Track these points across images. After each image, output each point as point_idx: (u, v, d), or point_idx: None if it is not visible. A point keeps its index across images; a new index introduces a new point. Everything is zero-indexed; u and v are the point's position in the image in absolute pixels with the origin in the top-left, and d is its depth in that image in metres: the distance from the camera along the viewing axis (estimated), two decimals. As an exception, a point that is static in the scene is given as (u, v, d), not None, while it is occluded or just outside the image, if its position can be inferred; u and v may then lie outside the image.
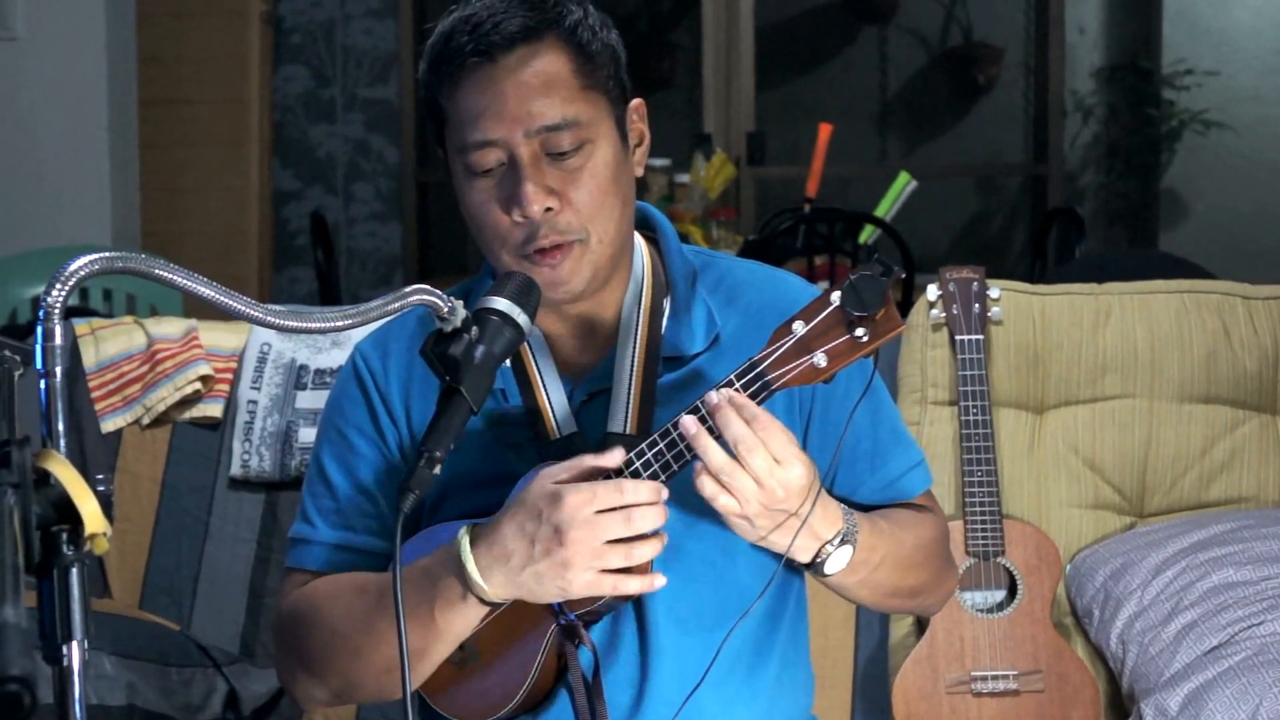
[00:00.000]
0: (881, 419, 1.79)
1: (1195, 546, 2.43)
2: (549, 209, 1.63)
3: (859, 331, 1.51)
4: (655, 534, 1.54)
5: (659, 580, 1.55)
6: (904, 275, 4.51)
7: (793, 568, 1.75)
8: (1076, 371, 2.58)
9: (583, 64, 1.65)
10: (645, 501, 1.53)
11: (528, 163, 1.62)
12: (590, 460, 1.56)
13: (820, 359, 1.52)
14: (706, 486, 1.53)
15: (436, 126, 1.70)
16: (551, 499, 1.52)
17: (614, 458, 1.57)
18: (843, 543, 1.62)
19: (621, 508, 1.52)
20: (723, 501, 1.53)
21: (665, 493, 1.55)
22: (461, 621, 1.59)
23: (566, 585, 1.53)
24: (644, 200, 1.83)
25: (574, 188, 1.64)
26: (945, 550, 1.83)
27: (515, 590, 1.55)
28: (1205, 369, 2.58)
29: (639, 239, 1.78)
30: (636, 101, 1.74)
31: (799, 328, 1.53)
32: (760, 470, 1.51)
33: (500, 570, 1.54)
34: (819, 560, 1.62)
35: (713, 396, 1.54)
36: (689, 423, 1.54)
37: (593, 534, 1.51)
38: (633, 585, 1.54)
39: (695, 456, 1.55)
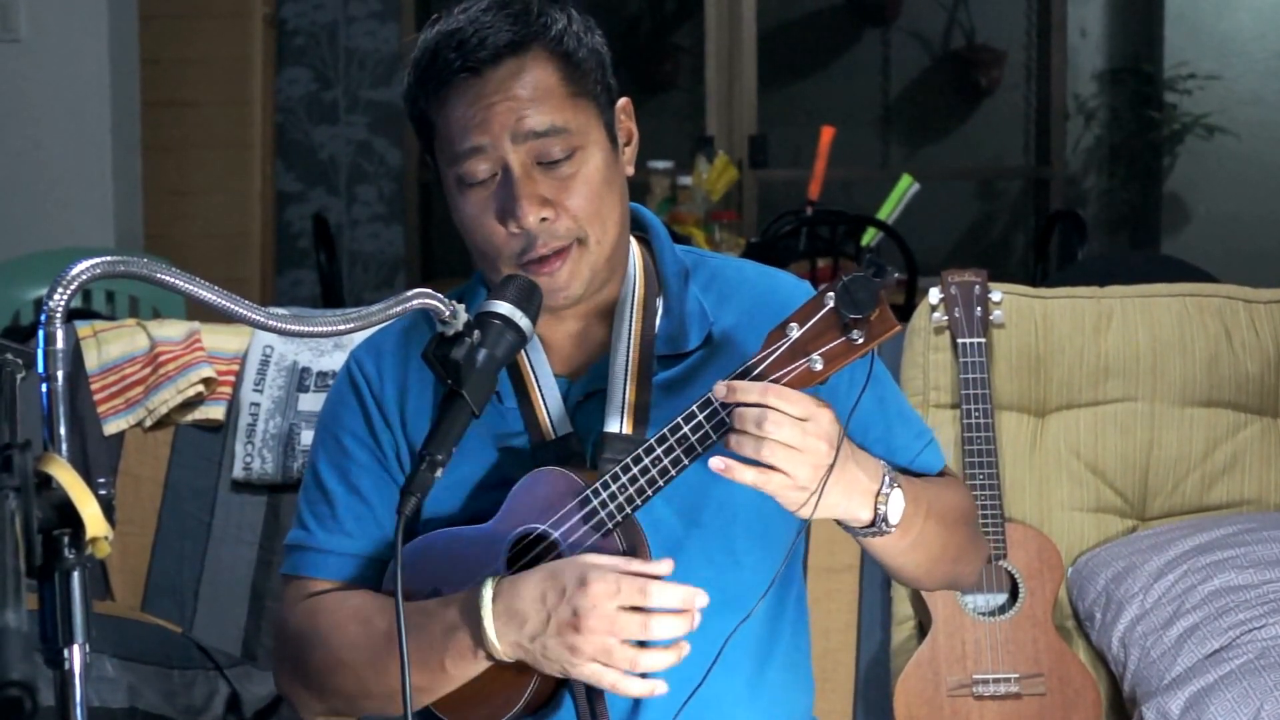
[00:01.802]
0: (889, 403, 1.79)
1: (1197, 550, 2.43)
2: (544, 219, 1.63)
3: (854, 334, 1.51)
4: (675, 643, 1.55)
5: (660, 689, 1.55)
6: (905, 279, 4.51)
7: (799, 551, 1.74)
8: (1078, 375, 2.58)
9: (570, 72, 1.65)
10: (671, 608, 1.53)
11: (520, 174, 1.62)
12: (638, 565, 1.56)
13: (816, 362, 1.52)
14: (748, 475, 1.52)
15: (426, 140, 1.71)
16: (579, 581, 1.53)
17: (662, 567, 1.56)
18: (892, 486, 1.61)
19: (643, 609, 1.52)
20: (774, 482, 1.52)
21: (703, 599, 1.54)
22: (471, 671, 1.61)
23: (569, 668, 1.55)
24: (646, 203, 1.84)
25: (568, 195, 1.64)
26: (976, 515, 1.84)
27: (521, 654, 1.57)
28: (1207, 372, 2.58)
29: (631, 239, 1.78)
30: (624, 100, 1.74)
31: (794, 330, 1.53)
32: (793, 437, 1.50)
33: (513, 632, 1.56)
34: (879, 513, 1.61)
35: (720, 389, 1.53)
36: (717, 461, 1.53)
37: (608, 629, 1.52)
38: (633, 689, 1.55)
39: (695, 459, 1.55)
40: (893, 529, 1.63)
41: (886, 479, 1.61)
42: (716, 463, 1.53)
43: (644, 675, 1.57)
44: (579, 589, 1.53)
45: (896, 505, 1.62)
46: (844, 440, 1.55)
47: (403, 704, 1.47)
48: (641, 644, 1.55)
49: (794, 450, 1.51)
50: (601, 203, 1.66)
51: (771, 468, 1.52)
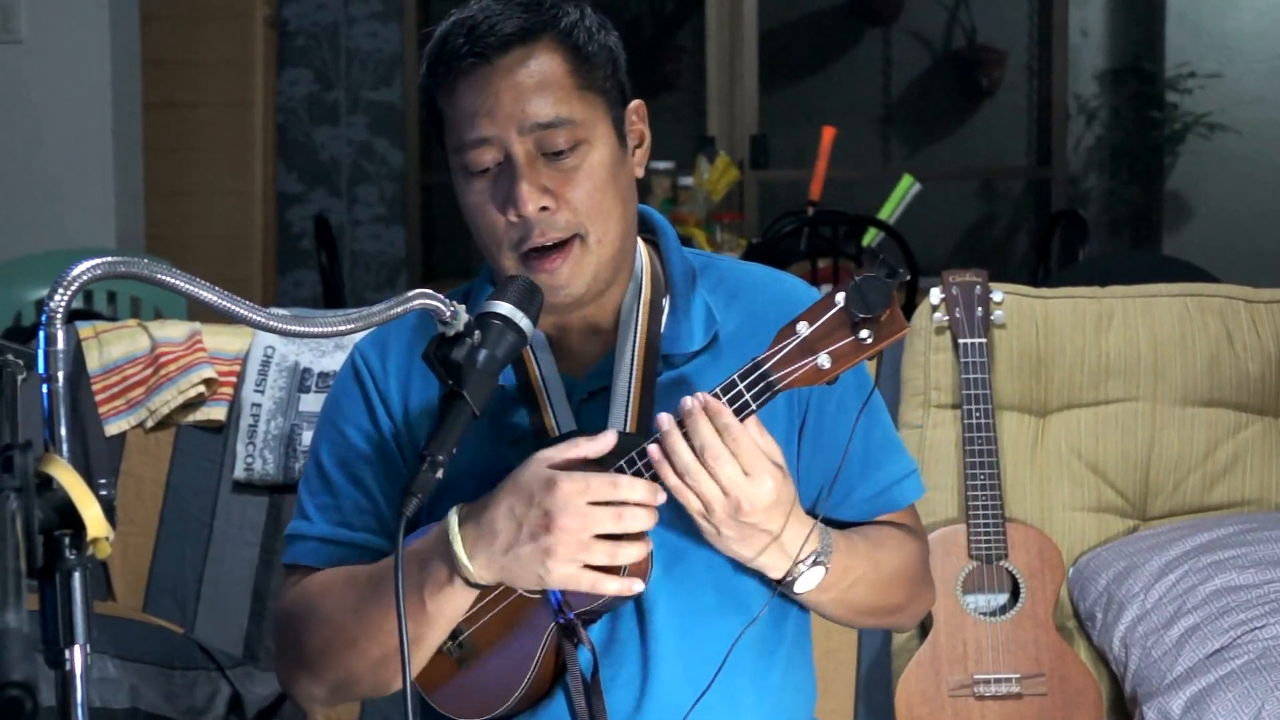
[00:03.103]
0: (875, 427, 1.79)
1: (1198, 550, 2.43)
2: (544, 208, 1.64)
3: (863, 333, 1.50)
4: (643, 537, 1.54)
5: (637, 585, 1.55)
6: (907, 279, 4.51)
7: (764, 581, 1.75)
8: (1079, 375, 2.58)
9: (579, 65, 1.65)
10: (639, 500, 1.53)
11: (523, 162, 1.63)
12: (584, 445, 1.56)
13: (824, 360, 1.52)
14: (669, 478, 1.53)
15: (437, 129, 1.71)
16: (546, 484, 1.52)
17: (606, 439, 1.56)
18: (815, 564, 1.62)
19: (614, 503, 1.52)
20: (688, 499, 1.54)
21: (662, 495, 1.54)
22: (450, 606, 1.59)
23: (545, 573, 1.52)
24: (647, 203, 1.84)
25: (570, 187, 1.64)
26: (923, 571, 1.83)
27: (497, 572, 1.55)
28: (1208, 372, 2.58)
29: (639, 240, 1.78)
30: (636, 103, 1.74)
31: (803, 328, 1.53)
32: (727, 480, 1.52)
33: (485, 550, 1.54)
34: (789, 579, 1.63)
35: (687, 402, 1.54)
36: (664, 419, 1.54)
37: (582, 524, 1.50)
38: (611, 586, 1.54)
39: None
40: (796, 595, 1.65)
41: (812, 557, 1.62)
42: (654, 451, 1.53)
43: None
44: (547, 490, 1.51)
45: (810, 580, 1.63)
46: (790, 508, 1.57)
47: (402, 677, 1.46)
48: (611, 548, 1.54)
49: (720, 490, 1.53)
50: (604, 198, 1.66)
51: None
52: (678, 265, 1.78)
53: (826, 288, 1.56)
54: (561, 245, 1.66)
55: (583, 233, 1.66)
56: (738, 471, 1.52)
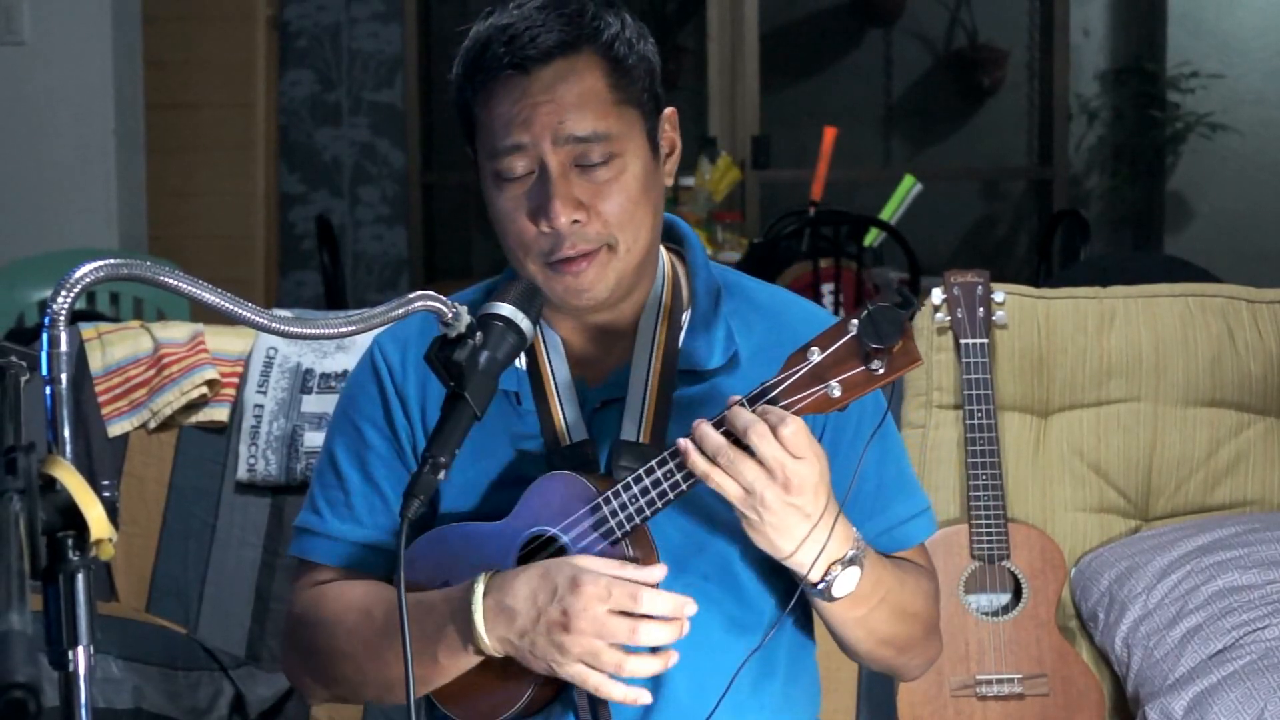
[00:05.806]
0: (888, 462, 1.77)
1: (1200, 550, 2.43)
2: (576, 220, 1.63)
3: (875, 364, 1.48)
4: (663, 650, 1.56)
5: (643, 698, 1.57)
6: (907, 279, 4.52)
7: (774, 596, 1.74)
8: (1081, 375, 2.58)
9: (618, 78, 1.64)
10: (661, 615, 1.54)
11: (557, 174, 1.62)
12: (630, 573, 1.56)
13: (835, 389, 1.50)
14: (700, 464, 1.52)
15: (468, 132, 1.70)
16: (571, 582, 1.54)
17: (656, 573, 1.57)
18: (851, 563, 1.59)
19: (635, 615, 1.53)
20: (725, 485, 1.51)
21: (691, 608, 1.55)
22: (463, 664, 1.62)
23: (555, 667, 1.56)
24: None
25: (602, 200, 1.63)
26: (935, 610, 1.79)
27: (510, 649, 1.58)
28: (1210, 372, 2.58)
29: (662, 250, 1.77)
30: (669, 110, 1.73)
31: (814, 355, 1.51)
32: (770, 457, 1.49)
33: (502, 628, 1.57)
34: (828, 579, 1.59)
35: (733, 400, 1.53)
36: (700, 422, 1.53)
37: (596, 631, 1.53)
38: (616, 693, 1.56)
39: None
40: (834, 602, 1.61)
41: (849, 555, 1.59)
42: (684, 442, 1.53)
43: (633, 681, 1.57)
44: (571, 590, 1.53)
45: (847, 582, 1.59)
46: (829, 496, 1.54)
47: (406, 696, 1.47)
48: (631, 649, 1.56)
49: (763, 469, 1.50)
50: (636, 210, 1.65)
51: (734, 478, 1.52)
52: (704, 281, 1.76)
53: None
54: (588, 253, 1.65)
55: (612, 242, 1.65)
56: (781, 450, 1.50)
